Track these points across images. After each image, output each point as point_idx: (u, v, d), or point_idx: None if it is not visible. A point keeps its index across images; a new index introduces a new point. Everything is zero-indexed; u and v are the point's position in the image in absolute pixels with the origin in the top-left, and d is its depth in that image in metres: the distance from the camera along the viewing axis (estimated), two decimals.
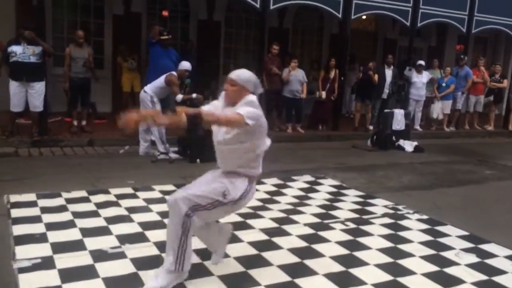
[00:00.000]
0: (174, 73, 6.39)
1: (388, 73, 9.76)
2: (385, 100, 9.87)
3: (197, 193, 2.62)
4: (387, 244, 3.62)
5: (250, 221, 3.93)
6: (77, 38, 7.14)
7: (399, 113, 8.76)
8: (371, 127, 9.82)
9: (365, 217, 4.27)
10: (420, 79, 9.96)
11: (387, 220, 4.20)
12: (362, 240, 3.66)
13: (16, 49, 6.35)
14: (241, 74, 2.73)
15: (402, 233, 3.88)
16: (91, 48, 7.68)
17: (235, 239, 3.49)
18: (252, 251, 3.32)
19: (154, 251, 3.20)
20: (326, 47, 11.99)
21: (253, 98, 2.67)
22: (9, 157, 6.04)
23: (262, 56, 8.86)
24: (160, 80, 6.33)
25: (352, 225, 4.00)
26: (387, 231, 3.91)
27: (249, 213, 4.14)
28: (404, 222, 4.16)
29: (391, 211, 4.49)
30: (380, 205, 4.68)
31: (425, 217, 4.35)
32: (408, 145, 8.38)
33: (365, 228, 3.95)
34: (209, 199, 2.61)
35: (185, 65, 6.59)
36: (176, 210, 2.55)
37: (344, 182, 5.60)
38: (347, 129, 9.72)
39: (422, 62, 10.11)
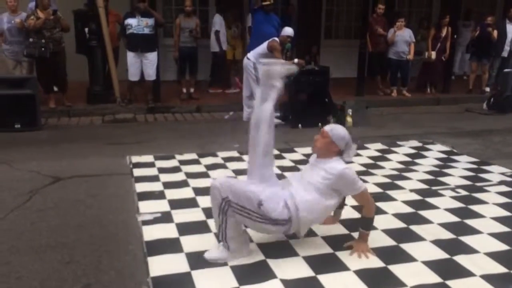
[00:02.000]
0: (276, 39, 6.44)
1: (510, 28, 8.81)
2: (505, 59, 8.94)
3: (237, 187, 2.49)
4: (504, 213, 3.37)
5: None
6: (186, 9, 7.47)
7: None
8: (487, 89, 9.01)
9: (478, 184, 4.01)
10: None
11: (504, 188, 3.89)
12: (475, 208, 3.45)
13: (132, 21, 6.85)
14: (335, 129, 2.70)
15: None
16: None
17: None
18: (355, 215, 3.31)
19: None
20: (437, 3, 11.10)
21: (342, 165, 2.61)
22: (128, 122, 6.68)
23: (366, 16, 8.50)
24: (263, 47, 6.41)
25: (463, 192, 3.78)
26: (503, 199, 3.63)
27: None
28: None
29: (509, 179, 4.15)
30: (496, 172, 4.35)
31: None
32: None
33: (479, 195, 3.71)
34: (242, 201, 2.45)
35: (288, 31, 6.58)
36: (213, 197, 2.52)
37: (455, 147, 5.27)
38: (460, 92, 9.05)
39: None
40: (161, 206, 3.41)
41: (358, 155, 4.90)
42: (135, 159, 4.54)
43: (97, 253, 2.73)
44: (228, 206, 2.46)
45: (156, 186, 3.83)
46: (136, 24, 6.83)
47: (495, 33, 8.62)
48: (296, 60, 6.48)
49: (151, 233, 2.96)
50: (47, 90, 6.93)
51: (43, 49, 6.48)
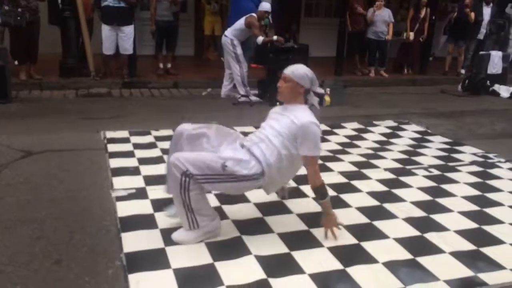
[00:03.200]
0: (254, 15, 6.33)
1: (487, 11, 8.90)
2: (481, 41, 9.07)
3: (192, 160, 2.38)
4: (474, 192, 3.46)
5: (329, 164, 3.93)
6: None
7: (496, 55, 8.05)
8: (463, 71, 9.15)
9: (451, 164, 4.09)
10: None
11: (475, 168, 3.99)
12: (447, 187, 3.53)
13: None
14: (296, 70, 2.63)
15: (491, 182, 3.67)
16: None
17: None
18: (331, 192, 3.31)
19: None
20: None
21: (311, 119, 2.53)
22: (103, 97, 6.52)
23: None
24: (240, 22, 6.31)
25: (436, 172, 3.86)
26: (474, 179, 3.73)
27: (328, 156, 4.14)
28: (494, 171, 3.93)
29: (480, 159, 4.25)
30: (468, 153, 4.44)
31: None
32: (504, 91, 7.75)
33: (450, 175, 3.79)
34: (204, 170, 2.36)
35: (265, 6, 6.48)
36: (172, 175, 2.39)
37: (429, 128, 5.36)
38: (436, 73, 9.15)
39: None
40: (136, 182, 3.36)
41: (334, 134, 4.93)
42: (110, 134, 4.45)
43: (69, 229, 2.69)
44: (189, 179, 2.35)
45: (131, 162, 3.77)
46: None
47: (473, 15, 8.70)
48: (275, 38, 6.41)
49: (125, 209, 2.92)
50: (20, 61, 6.68)
51: (19, 18, 6.22)
